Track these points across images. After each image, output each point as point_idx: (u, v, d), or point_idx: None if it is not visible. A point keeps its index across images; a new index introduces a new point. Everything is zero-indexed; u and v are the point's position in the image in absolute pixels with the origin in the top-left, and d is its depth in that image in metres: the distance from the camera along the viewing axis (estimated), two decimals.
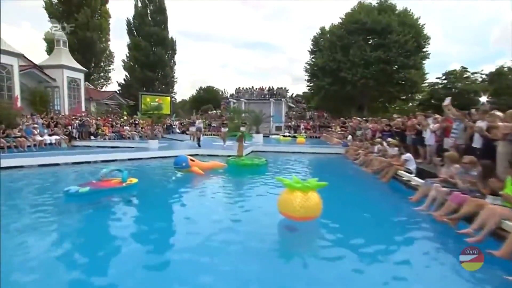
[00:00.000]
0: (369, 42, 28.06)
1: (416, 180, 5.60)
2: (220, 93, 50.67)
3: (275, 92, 31.55)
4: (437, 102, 27.55)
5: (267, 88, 31.80)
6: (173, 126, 24.19)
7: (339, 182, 6.96)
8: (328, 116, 32.28)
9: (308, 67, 34.49)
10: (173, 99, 32.51)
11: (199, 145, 11.95)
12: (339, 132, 18.85)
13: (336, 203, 4.86)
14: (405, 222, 4.17)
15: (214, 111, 31.76)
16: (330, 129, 26.85)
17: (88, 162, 8.36)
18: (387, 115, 32.19)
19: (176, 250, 3.15)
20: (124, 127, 18.34)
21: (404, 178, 6.17)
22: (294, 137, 24.54)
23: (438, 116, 7.64)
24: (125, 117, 21.66)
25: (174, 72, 35.55)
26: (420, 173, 5.86)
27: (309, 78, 35.12)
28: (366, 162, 8.99)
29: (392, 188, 6.27)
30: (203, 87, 49.08)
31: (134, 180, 5.41)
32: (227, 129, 13.13)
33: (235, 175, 7.37)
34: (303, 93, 47.38)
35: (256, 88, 31.86)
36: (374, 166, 7.89)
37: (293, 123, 29.86)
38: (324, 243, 3.53)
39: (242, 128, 13.94)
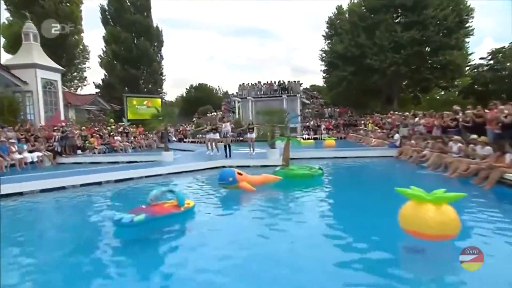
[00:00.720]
0: (398, 21, 28.26)
1: None
2: (215, 91, 50.84)
3: (286, 86, 31.51)
4: (482, 88, 27.69)
5: (277, 83, 31.77)
6: (169, 134, 23.98)
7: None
8: (353, 112, 32.30)
9: (324, 55, 34.67)
10: (163, 100, 32.35)
11: (228, 155, 11.79)
12: (378, 131, 18.65)
13: None
14: None
15: (215, 113, 31.52)
16: (357, 127, 26.89)
17: (99, 183, 8.09)
18: (420, 107, 32.44)
19: None
20: (115, 138, 18.01)
21: None
22: (315, 139, 24.48)
23: None
24: (113, 125, 21.30)
25: (162, 68, 35.67)
26: None
27: (326, 68, 35.31)
28: (442, 165, 8.81)
29: (505, 196, 6.06)
30: (194, 85, 48.97)
31: (191, 203, 5.32)
32: (254, 134, 13.07)
33: (289, 189, 7.22)
34: (311, 86, 47.64)
35: (264, 84, 31.86)
36: (460, 169, 7.70)
37: (311, 122, 29.77)
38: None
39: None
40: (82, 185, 7.81)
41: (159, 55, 35.23)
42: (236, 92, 32.29)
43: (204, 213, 5.51)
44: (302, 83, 34.30)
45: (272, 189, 7.27)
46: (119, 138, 18.46)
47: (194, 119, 31.33)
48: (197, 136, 26.11)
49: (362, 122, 25.98)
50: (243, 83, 31.91)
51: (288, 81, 32.34)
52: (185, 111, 43.52)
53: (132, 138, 19.80)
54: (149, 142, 20.74)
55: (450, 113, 11.64)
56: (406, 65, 26.99)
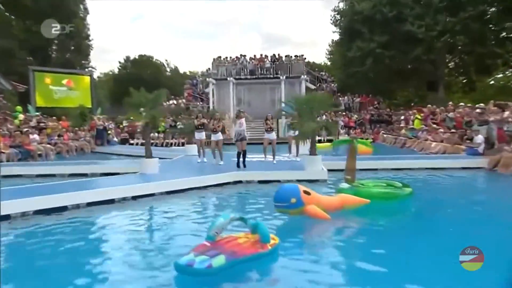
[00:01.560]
0: None
1: None
2: (165, 66, 50.60)
3: (284, 63, 31.80)
4: None
5: (269, 58, 32.00)
6: (108, 132, 23.65)
7: None
8: (382, 103, 33.03)
9: (339, 17, 35.34)
10: (94, 79, 31.36)
11: (241, 165, 12.10)
12: (440, 131, 19.09)
13: None
14: None
15: (174, 101, 31.08)
16: (392, 125, 27.45)
17: (64, 208, 7.84)
18: (471, 96, 33.74)
19: None
20: (31, 137, 17.26)
21: None
22: (331, 141, 24.66)
23: None
24: (21, 117, 20.44)
25: (88, 28, 34.81)
26: None
27: (340, 36, 35.99)
28: None
29: None
30: (131, 59, 48.02)
31: (277, 240, 5.52)
32: (274, 135, 13.50)
33: (371, 217, 7.39)
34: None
35: (251, 59, 32.28)
36: None
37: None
38: None
39: (291, 132, 14.18)
40: (37, 212, 7.52)
41: (82, 6, 34.30)
42: (207, 70, 32.11)
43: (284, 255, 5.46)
44: (305, 58, 34.76)
45: (347, 216, 7.31)
46: (36, 137, 17.73)
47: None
48: (151, 136, 25.79)
49: (402, 118, 26.60)
50: (219, 57, 32.07)
51: (286, 56, 32.73)
52: (119, 97, 42.33)
53: (56, 137, 19.02)
54: (80, 144, 20.19)
55: None
56: (466, 34, 27.92)
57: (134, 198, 8.85)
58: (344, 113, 31.28)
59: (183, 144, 24.81)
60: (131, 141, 25.88)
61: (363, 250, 5.83)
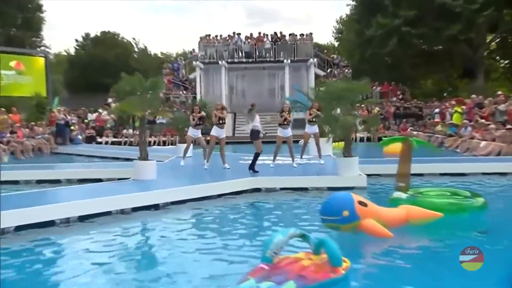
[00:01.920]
0: None
1: None
2: (133, 46, 50.55)
3: (288, 43, 31.83)
4: None
5: (269, 37, 32.05)
6: (71, 128, 23.61)
7: None
8: (407, 93, 33.16)
9: None
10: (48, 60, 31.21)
11: (253, 169, 12.33)
12: (491, 126, 19.15)
13: None
14: None
15: None
16: (423, 120, 27.55)
17: (51, 223, 7.78)
18: None
19: None
20: None
21: None
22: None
23: None
24: None
25: None
26: None
27: (354, 10, 36.14)
28: None
29: None
30: (90, 36, 47.76)
31: (348, 262, 5.44)
32: (289, 130, 13.54)
33: (447, 233, 7.34)
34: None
35: (247, 38, 32.33)
36: None
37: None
38: None
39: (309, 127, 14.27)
40: (19, 227, 7.44)
41: None
42: (191, 52, 31.94)
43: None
44: (313, 35, 34.79)
45: (408, 232, 7.27)
46: None
47: (109, 100, 30.66)
48: (124, 132, 25.87)
49: (436, 111, 26.70)
50: (207, 36, 32.14)
51: (291, 34, 32.82)
52: (78, 84, 42.10)
53: (8, 134, 18.90)
54: (38, 143, 20.01)
55: None
56: None
57: (134, 209, 8.86)
58: (361, 105, 31.27)
59: (164, 143, 25.04)
60: (99, 139, 25.95)
61: (439, 278, 5.54)
